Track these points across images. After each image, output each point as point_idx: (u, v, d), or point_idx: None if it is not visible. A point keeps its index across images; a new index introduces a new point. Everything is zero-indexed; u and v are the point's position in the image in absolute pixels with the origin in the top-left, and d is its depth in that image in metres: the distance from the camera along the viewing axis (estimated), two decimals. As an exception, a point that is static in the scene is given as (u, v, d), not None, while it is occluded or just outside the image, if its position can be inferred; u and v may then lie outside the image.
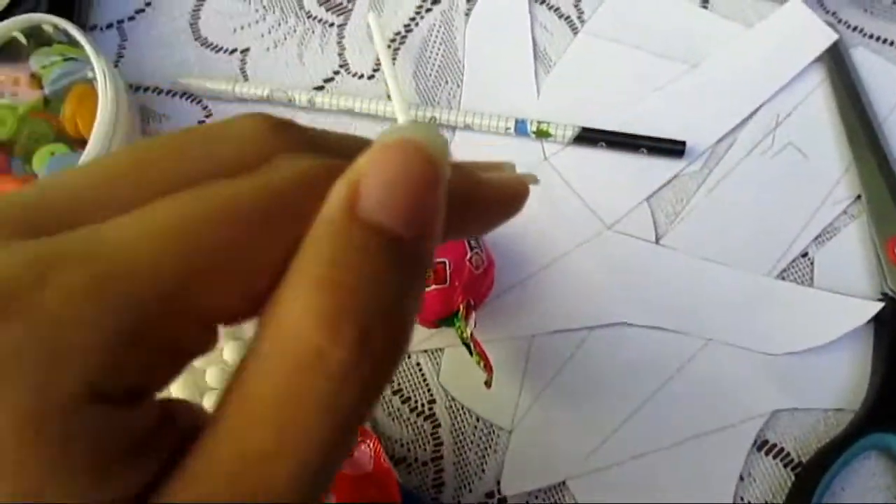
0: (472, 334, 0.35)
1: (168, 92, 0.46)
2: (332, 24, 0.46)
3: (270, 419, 0.13)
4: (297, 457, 0.13)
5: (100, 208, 0.14)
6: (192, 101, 0.45)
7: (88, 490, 0.12)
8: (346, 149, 0.16)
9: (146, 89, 0.46)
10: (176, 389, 0.34)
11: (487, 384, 0.34)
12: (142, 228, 0.13)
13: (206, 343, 0.14)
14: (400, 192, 0.14)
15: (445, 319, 0.35)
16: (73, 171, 0.14)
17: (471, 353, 0.34)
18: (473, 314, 0.35)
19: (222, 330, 0.15)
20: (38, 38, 0.42)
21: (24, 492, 0.12)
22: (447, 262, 0.34)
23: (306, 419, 0.13)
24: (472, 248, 0.36)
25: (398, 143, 0.14)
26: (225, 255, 0.13)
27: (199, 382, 0.35)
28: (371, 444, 0.34)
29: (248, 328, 0.35)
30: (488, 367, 0.34)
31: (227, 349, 0.35)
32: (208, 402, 0.34)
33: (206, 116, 0.45)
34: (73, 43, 0.41)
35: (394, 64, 0.45)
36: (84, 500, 0.12)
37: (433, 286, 0.34)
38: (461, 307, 0.35)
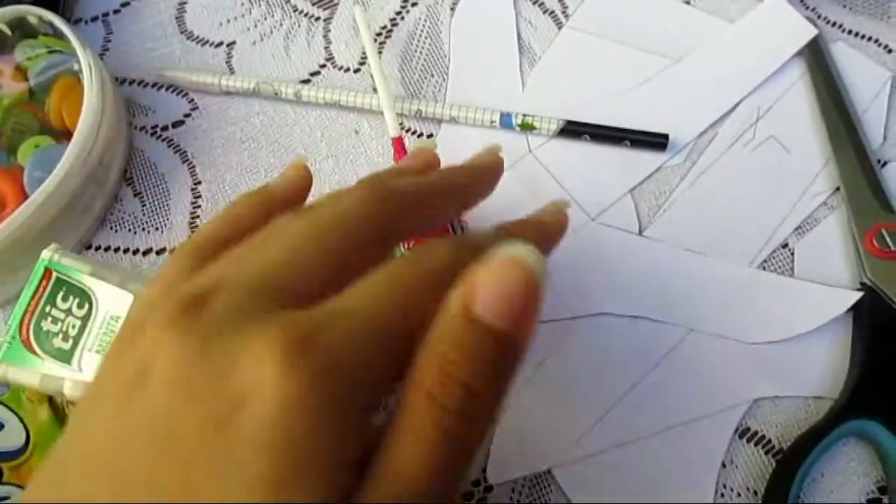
0: None
1: (154, 85, 0.46)
2: (318, 18, 0.46)
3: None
4: None
5: (321, 284, 0.20)
6: (177, 94, 0.45)
7: (353, 481, 0.18)
8: (443, 213, 0.27)
9: (132, 82, 0.46)
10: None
11: None
12: (367, 304, 0.19)
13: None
14: (510, 301, 0.19)
15: None
16: (283, 258, 0.21)
17: None
18: None
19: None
20: (23, 29, 0.42)
21: (339, 489, 0.17)
22: None
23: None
24: (455, 233, 0.36)
25: (510, 261, 0.19)
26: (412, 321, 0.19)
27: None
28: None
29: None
30: None
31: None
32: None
33: (192, 109, 0.45)
34: (59, 35, 0.41)
35: (380, 58, 0.45)
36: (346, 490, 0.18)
37: None
38: None
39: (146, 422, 0.18)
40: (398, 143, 0.40)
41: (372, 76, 0.44)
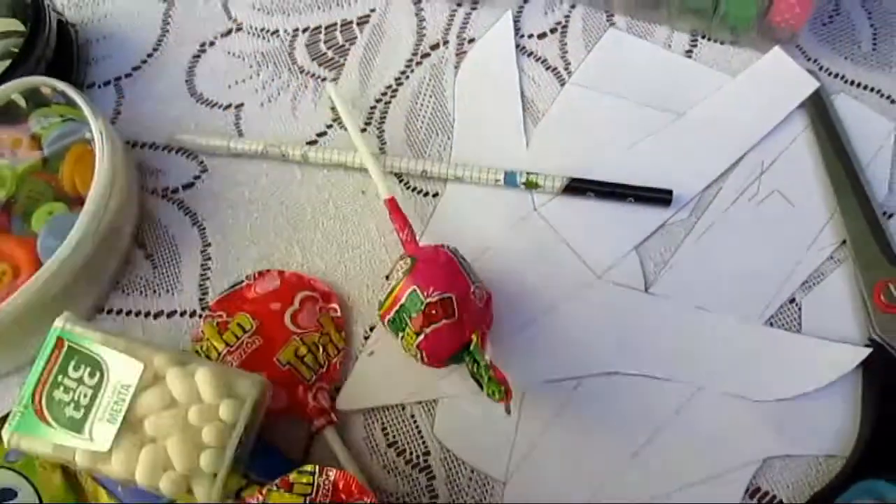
0: (490, 361, 0.34)
1: (165, 148, 0.47)
2: (324, 79, 0.47)
3: None
4: None
5: None
6: (188, 157, 0.46)
7: None
8: None
9: (143, 145, 0.47)
10: (173, 446, 0.34)
11: (507, 411, 0.34)
12: None
13: None
14: None
15: (455, 356, 0.35)
16: None
17: (482, 387, 0.34)
18: (488, 341, 0.35)
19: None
20: (36, 99, 0.43)
21: None
22: (454, 297, 0.35)
23: None
24: (473, 283, 0.36)
25: None
26: None
27: (196, 440, 0.35)
28: (368, 502, 0.34)
29: (243, 388, 0.36)
30: (507, 393, 0.34)
31: (223, 407, 0.35)
32: (205, 461, 0.34)
33: (202, 171, 0.45)
34: (71, 103, 0.42)
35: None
36: None
37: (443, 321, 0.34)
38: (475, 336, 0.35)
39: None
40: (391, 204, 0.40)
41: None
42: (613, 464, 0.37)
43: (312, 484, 0.35)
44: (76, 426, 0.35)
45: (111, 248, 0.42)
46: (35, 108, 0.43)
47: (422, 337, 0.35)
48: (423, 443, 0.38)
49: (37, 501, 0.37)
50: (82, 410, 0.35)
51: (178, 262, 0.43)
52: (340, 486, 0.34)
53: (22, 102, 0.43)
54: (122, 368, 0.36)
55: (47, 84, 0.42)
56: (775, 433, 0.37)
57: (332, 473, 0.35)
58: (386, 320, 0.37)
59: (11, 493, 0.37)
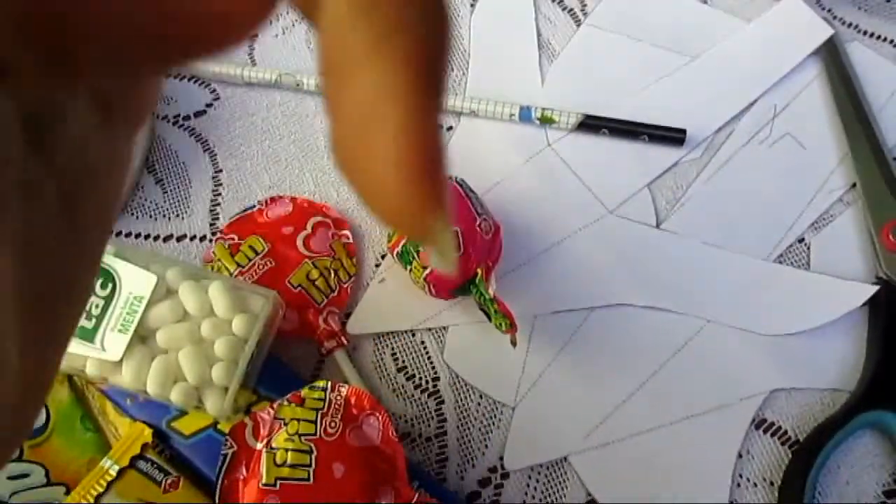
0: (494, 294, 0.35)
1: (177, 75, 0.46)
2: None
3: None
4: None
5: None
6: (200, 85, 0.46)
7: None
8: None
9: (154, 73, 0.46)
10: (185, 358, 0.34)
11: (513, 343, 0.35)
12: None
13: None
14: None
15: (462, 288, 0.36)
16: None
17: (489, 318, 0.35)
18: (493, 275, 0.36)
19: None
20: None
21: None
22: (459, 231, 0.35)
23: None
24: (479, 215, 0.36)
25: None
26: None
27: (208, 353, 0.35)
28: (380, 418, 0.34)
29: (256, 304, 0.36)
30: (513, 326, 0.34)
31: (236, 321, 0.35)
32: (217, 373, 0.34)
33: (214, 99, 0.45)
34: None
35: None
36: None
37: None
38: (480, 271, 0.35)
39: None
40: None
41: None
42: (621, 393, 0.37)
43: (324, 399, 0.35)
44: (88, 335, 0.35)
45: (122, 171, 0.42)
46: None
47: (428, 270, 0.36)
48: (433, 368, 0.39)
49: (44, 413, 0.37)
50: (94, 320, 0.35)
51: (188, 187, 0.43)
52: (352, 401, 0.35)
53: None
54: (135, 280, 0.35)
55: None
56: (782, 366, 0.37)
57: (344, 389, 0.35)
58: (395, 253, 0.38)
59: (19, 403, 0.37)
